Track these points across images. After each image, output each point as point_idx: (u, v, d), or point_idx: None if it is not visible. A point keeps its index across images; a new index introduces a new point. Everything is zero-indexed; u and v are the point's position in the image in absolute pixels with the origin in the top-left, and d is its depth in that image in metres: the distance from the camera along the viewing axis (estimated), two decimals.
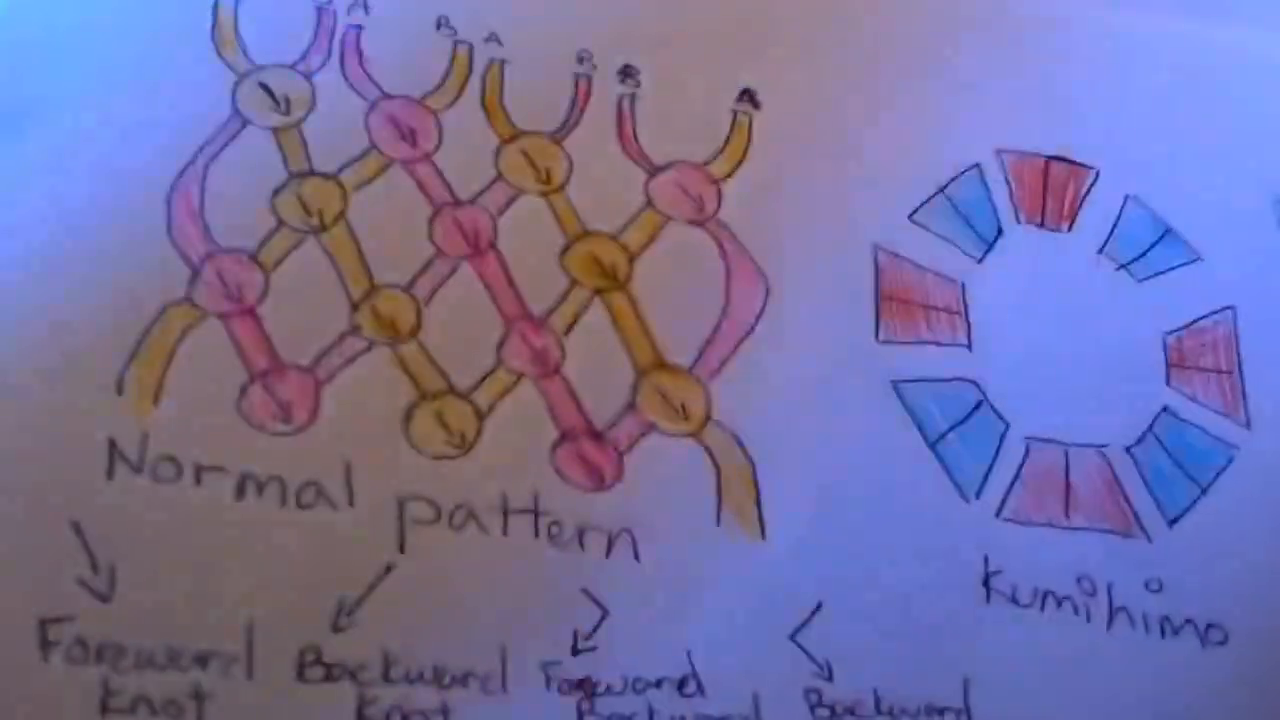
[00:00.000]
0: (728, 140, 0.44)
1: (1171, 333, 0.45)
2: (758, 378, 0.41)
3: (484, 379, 0.39)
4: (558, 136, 0.43)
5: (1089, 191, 0.46)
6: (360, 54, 0.42)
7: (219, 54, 0.41)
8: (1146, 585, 0.41)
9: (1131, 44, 0.48)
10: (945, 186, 0.45)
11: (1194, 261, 0.46)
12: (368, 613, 0.36)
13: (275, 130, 0.40)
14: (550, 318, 0.40)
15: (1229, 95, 0.49)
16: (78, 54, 0.39)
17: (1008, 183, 0.46)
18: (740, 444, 0.40)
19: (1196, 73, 0.48)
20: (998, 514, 0.41)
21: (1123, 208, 0.46)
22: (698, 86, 0.44)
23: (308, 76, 0.41)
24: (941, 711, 0.38)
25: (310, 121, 0.41)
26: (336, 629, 0.35)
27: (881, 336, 0.43)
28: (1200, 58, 0.48)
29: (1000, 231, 0.45)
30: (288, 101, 0.41)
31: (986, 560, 0.40)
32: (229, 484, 0.36)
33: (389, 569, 0.36)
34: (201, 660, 0.34)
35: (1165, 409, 0.44)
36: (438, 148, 0.42)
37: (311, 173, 0.40)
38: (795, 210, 0.43)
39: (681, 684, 0.37)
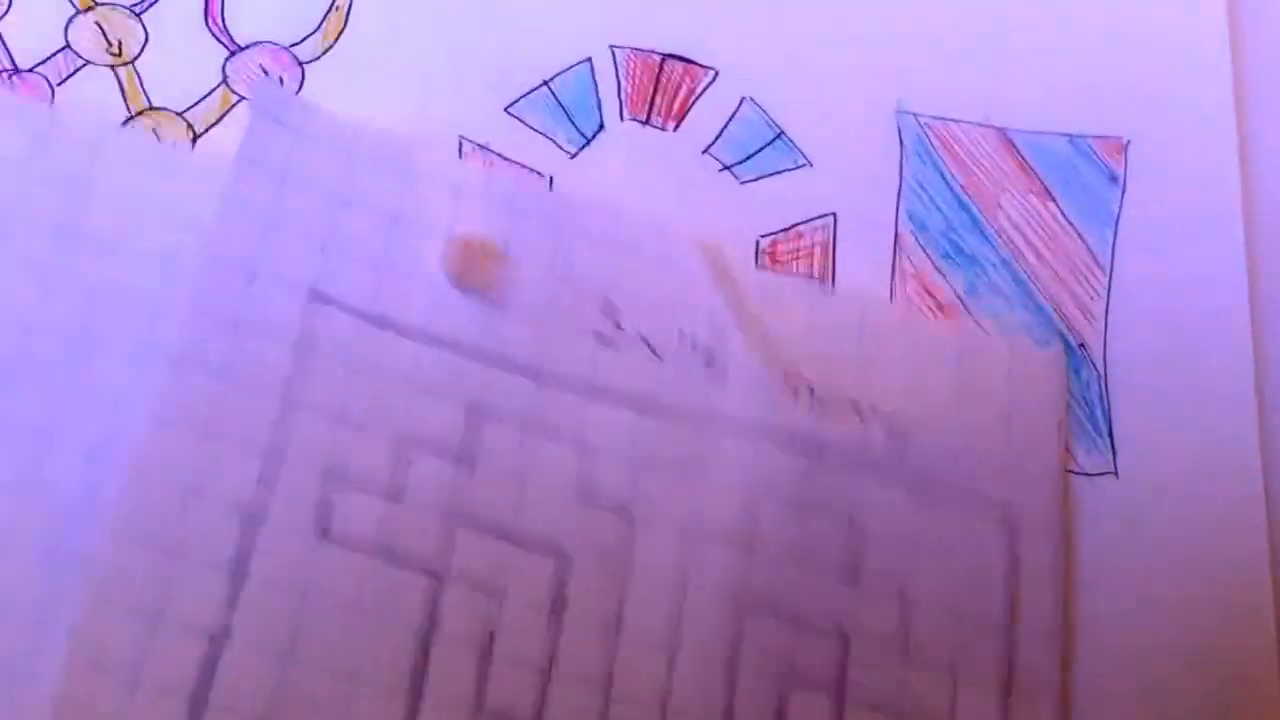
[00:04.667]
0: (321, 23, 0.44)
1: (766, 235, 0.45)
2: None
3: None
4: (138, 10, 0.43)
5: (704, 92, 0.46)
6: None
7: None
8: None
9: None
10: (551, 80, 0.45)
11: (802, 167, 0.46)
12: None
13: None
14: None
15: (856, 2, 0.48)
16: None
17: (618, 79, 0.46)
18: None
19: None
20: None
21: (736, 110, 0.46)
22: None
23: None
24: None
25: None
26: None
27: None
28: None
29: (601, 127, 0.45)
30: None
31: None
32: None
33: None
34: None
35: None
36: (4, 14, 0.42)
37: None
38: (375, 98, 0.43)
39: None
